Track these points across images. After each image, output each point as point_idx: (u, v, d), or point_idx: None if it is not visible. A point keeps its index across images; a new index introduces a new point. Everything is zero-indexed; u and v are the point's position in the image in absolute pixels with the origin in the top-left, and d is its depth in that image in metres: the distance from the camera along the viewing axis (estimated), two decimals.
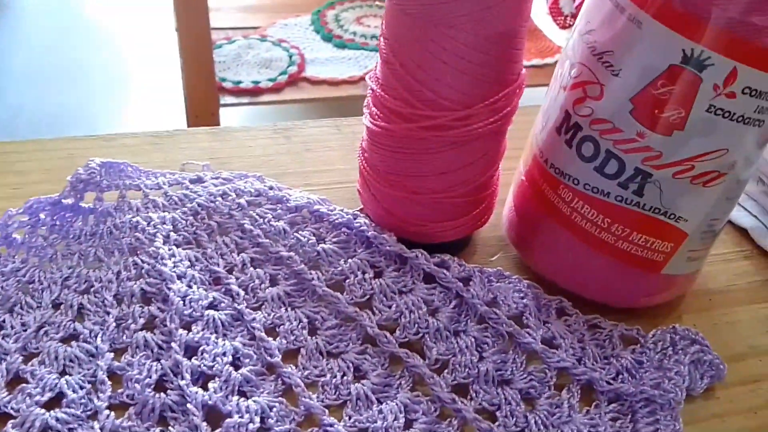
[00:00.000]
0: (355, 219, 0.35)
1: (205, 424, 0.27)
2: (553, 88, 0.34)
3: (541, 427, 0.29)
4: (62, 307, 0.31)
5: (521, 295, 0.34)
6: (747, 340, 0.36)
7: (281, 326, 0.31)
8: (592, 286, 0.35)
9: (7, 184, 0.38)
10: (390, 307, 0.32)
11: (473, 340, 0.31)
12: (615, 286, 0.35)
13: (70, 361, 0.29)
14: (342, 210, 0.36)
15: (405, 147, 0.33)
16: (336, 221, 0.35)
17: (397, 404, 0.29)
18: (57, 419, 0.27)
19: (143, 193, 0.36)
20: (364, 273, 0.33)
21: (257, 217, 0.35)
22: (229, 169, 0.40)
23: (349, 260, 0.34)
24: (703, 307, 0.37)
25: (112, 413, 0.27)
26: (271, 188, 0.37)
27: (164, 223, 0.35)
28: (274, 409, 0.28)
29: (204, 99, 1.23)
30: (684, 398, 0.31)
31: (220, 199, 0.36)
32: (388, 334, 0.31)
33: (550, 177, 0.34)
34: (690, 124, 0.28)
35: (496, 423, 0.29)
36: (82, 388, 0.28)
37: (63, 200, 0.34)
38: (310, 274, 0.33)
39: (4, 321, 0.30)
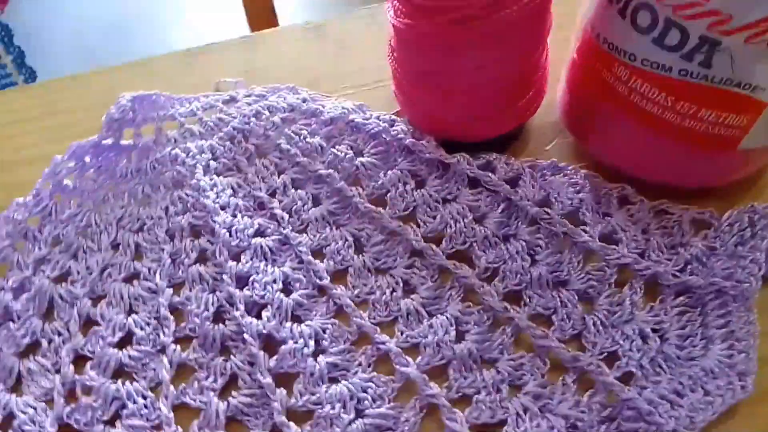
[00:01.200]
0: (392, 126, 0.33)
1: (262, 353, 0.28)
2: None
3: (600, 329, 0.28)
4: (120, 247, 0.32)
5: (577, 188, 0.31)
6: None
7: (327, 247, 0.31)
8: (659, 169, 0.32)
9: (51, 126, 0.39)
10: (434, 218, 0.31)
11: (524, 244, 0.30)
12: (685, 167, 0.32)
13: (135, 299, 0.31)
14: (378, 117, 0.34)
15: (433, 44, 0.29)
16: (372, 131, 0.33)
17: (447, 317, 0.28)
18: (130, 357, 0.29)
19: (179, 122, 0.36)
20: (405, 184, 0.32)
21: (293, 135, 0.34)
22: (265, 80, 0.38)
23: (389, 172, 0.32)
24: None
25: (178, 347, 0.29)
26: (304, 100, 0.36)
27: (203, 152, 0.34)
28: (327, 331, 0.29)
29: None
30: (760, 287, 0.28)
31: (254, 119, 0.35)
32: (434, 246, 0.30)
33: (603, 53, 0.30)
34: None
35: (552, 328, 0.28)
36: (148, 324, 0.30)
37: (102, 141, 0.35)
38: (351, 190, 0.32)
39: (70, 267, 0.32)
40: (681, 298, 0.29)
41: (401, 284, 0.30)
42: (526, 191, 0.31)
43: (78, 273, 0.32)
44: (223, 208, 0.32)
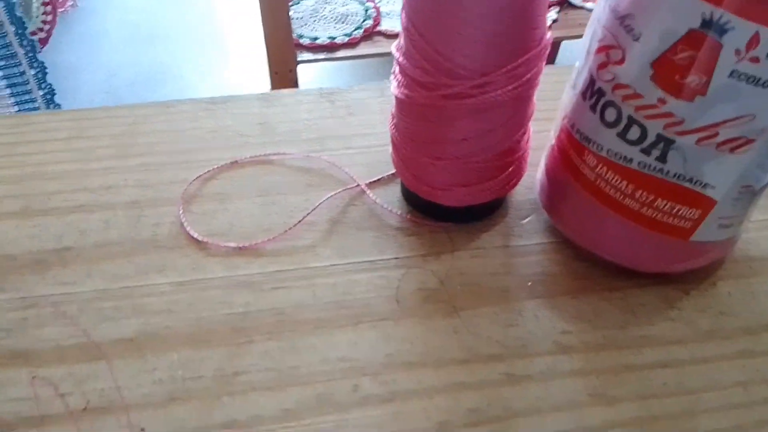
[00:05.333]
0: None
1: None
2: (582, 53, 0.33)
3: None
4: None
5: None
6: None
7: None
8: (621, 252, 0.35)
9: (80, 148, 0.43)
10: None
11: None
12: (644, 252, 0.35)
13: None
14: None
15: (427, 114, 0.33)
16: None
17: None
18: None
19: None
20: None
21: None
22: (276, 132, 0.42)
23: None
24: (741, 274, 0.37)
25: None
26: None
27: None
28: None
29: (282, 56, 1.27)
30: None
31: None
32: None
33: (575, 142, 0.34)
34: (712, 90, 0.27)
35: None
36: None
37: None
38: None
39: None
40: None
41: None
42: None
43: None
44: None
